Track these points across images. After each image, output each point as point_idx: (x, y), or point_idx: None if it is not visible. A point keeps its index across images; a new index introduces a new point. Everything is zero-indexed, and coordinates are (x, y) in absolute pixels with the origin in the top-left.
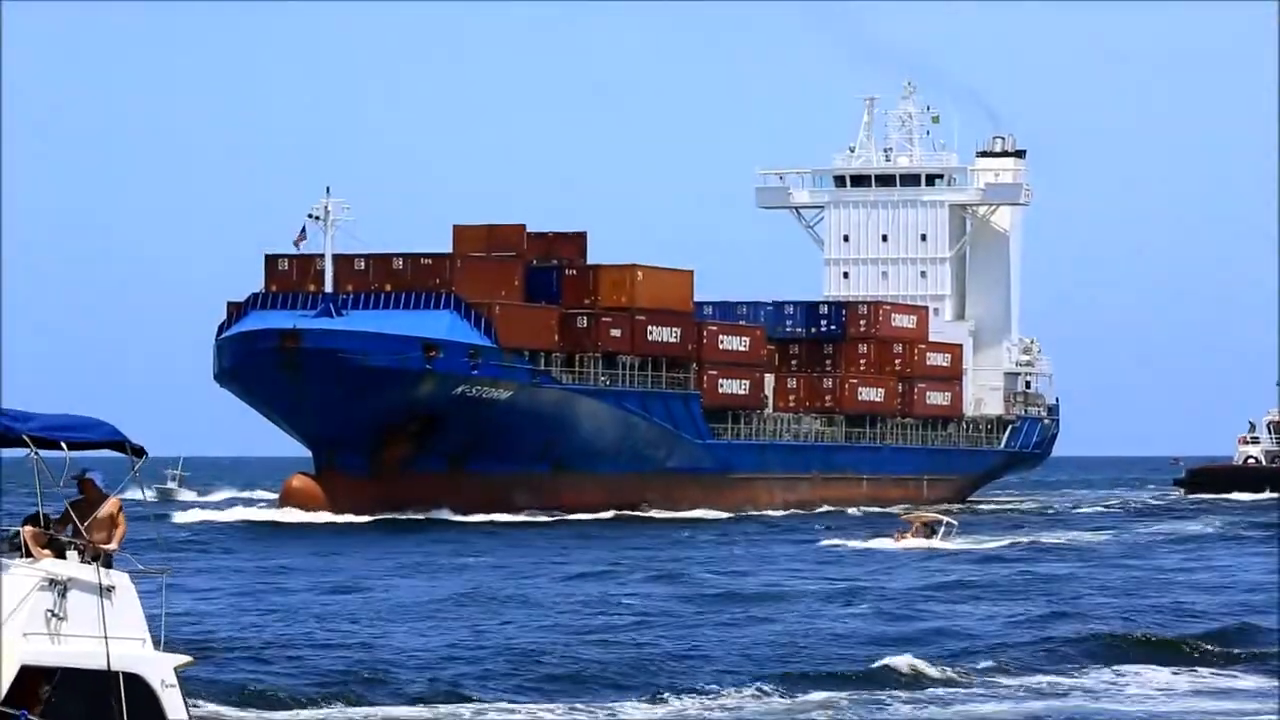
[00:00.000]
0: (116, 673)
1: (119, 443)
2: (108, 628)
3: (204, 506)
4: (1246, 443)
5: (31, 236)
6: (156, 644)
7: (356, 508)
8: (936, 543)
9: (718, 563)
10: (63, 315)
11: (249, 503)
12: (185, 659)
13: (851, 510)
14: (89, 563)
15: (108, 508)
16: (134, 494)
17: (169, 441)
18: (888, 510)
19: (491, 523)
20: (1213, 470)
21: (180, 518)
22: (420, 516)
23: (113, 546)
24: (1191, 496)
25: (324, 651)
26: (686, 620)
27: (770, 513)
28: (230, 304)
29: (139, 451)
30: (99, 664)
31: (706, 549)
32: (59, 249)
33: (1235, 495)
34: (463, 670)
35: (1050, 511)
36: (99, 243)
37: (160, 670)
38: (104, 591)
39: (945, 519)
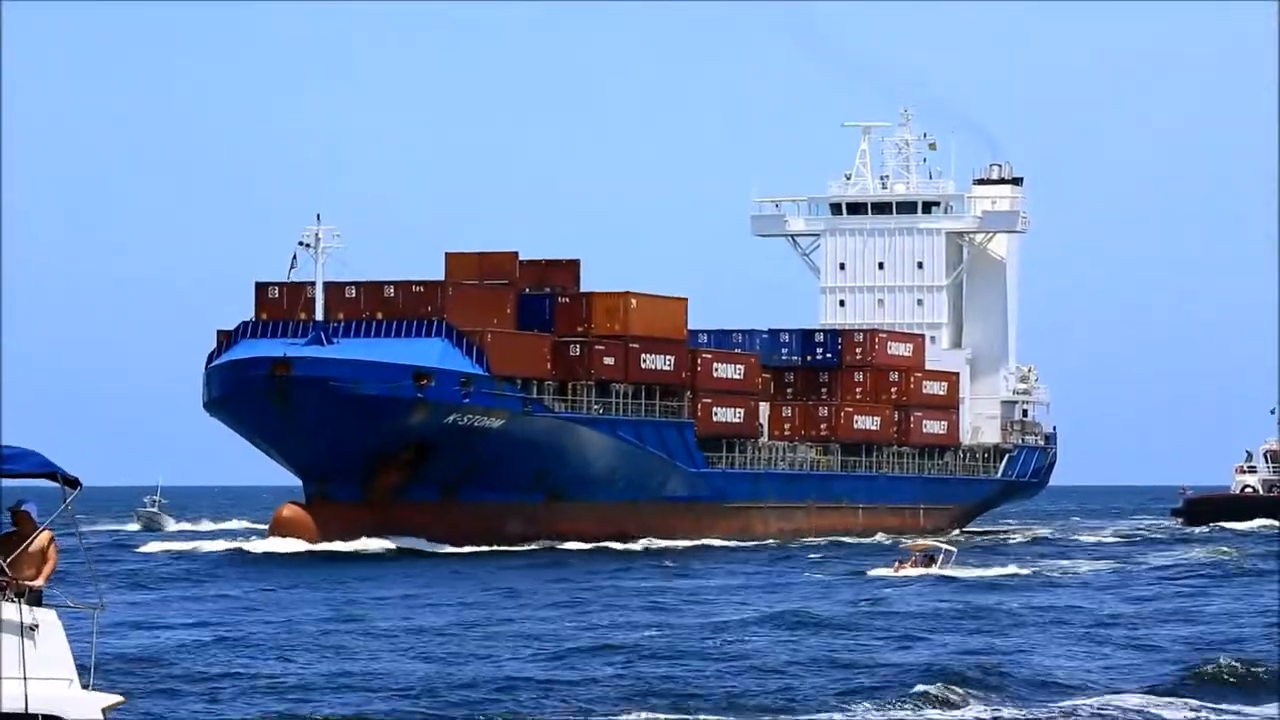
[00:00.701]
0: (35, 715)
1: (50, 473)
2: (28, 667)
3: (190, 536)
4: (1244, 472)
5: (19, 262)
6: (86, 683)
7: (347, 537)
8: (936, 571)
9: (712, 591)
10: (52, 343)
11: (238, 533)
12: (115, 698)
13: (863, 539)
14: (11, 600)
15: (39, 542)
16: (127, 525)
17: (158, 471)
18: (890, 539)
19: (481, 553)
20: (1210, 500)
21: (165, 547)
22: (416, 546)
23: (39, 583)
24: (1189, 527)
25: (319, 678)
26: (681, 647)
27: (766, 541)
28: (220, 332)
29: (73, 482)
30: (16, 706)
31: (699, 578)
32: (47, 276)
33: (1233, 524)
34: (462, 693)
35: (1050, 540)
36: (88, 270)
37: (86, 710)
38: (26, 630)
39: (945, 546)
